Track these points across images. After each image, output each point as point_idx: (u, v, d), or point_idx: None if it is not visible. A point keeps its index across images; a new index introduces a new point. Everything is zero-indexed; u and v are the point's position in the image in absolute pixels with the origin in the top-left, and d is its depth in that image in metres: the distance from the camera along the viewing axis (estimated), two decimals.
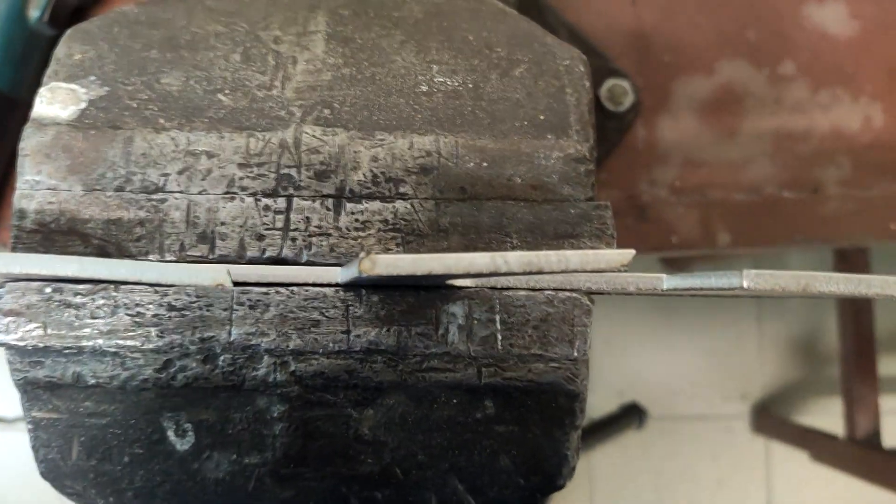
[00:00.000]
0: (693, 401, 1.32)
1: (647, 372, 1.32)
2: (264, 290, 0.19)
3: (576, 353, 0.19)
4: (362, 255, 0.16)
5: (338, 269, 0.19)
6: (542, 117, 0.20)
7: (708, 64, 0.51)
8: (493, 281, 0.19)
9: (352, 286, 0.19)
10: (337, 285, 0.19)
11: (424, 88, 0.21)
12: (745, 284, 0.16)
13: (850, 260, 1.02)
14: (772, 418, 1.24)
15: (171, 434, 0.19)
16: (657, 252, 0.50)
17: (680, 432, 1.32)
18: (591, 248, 0.19)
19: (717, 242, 0.50)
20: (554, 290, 0.19)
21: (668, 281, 0.19)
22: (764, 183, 0.50)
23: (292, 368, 0.19)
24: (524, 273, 0.16)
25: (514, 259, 0.16)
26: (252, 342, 0.19)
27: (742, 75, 0.51)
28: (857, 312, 1.02)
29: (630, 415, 0.56)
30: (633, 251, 0.16)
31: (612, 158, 0.50)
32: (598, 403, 1.31)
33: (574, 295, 0.19)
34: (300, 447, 0.19)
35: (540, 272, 0.16)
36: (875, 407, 1.01)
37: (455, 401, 0.19)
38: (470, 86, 0.21)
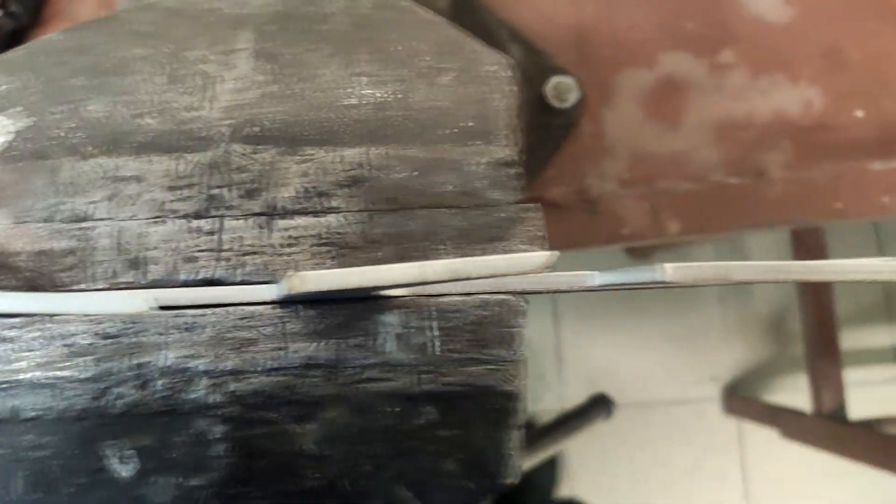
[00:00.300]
0: (663, 386, 1.34)
1: (616, 360, 1.33)
2: (199, 312, 0.19)
3: (512, 355, 0.19)
4: (290, 272, 0.16)
5: (271, 286, 0.19)
6: (470, 124, 0.21)
7: (649, 56, 0.52)
8: (427, 289, 0.19)
9: (287, 302, 0.19)
10: (272, 302, 0.19)
11: (353, 101, 0.21)
12: (665, 277, 0.17)
13: (806, 240, 1.04)
14: (741, 399, 1.26)
15: (113, 462, 0.19)
16: (609, 245, 0.50)
17: (652, 418, 1.34)
18: (522, 250, 0.20)
19: (666, 232, 0.51)
20: (488, 293, 0.19)
21: (599, 278, 0.19)
22: (709, 171, 0.51)
23: (230, 388, 0.19)
24: (451, 280, 0.16)
25: (441, 267, 0.16)
26: (188, 365, 0.19)
27: (683, 66, 0.52)
28: (817, 291, 1.04)
29: (598, 406, 0.57)
30: (556, 253, 0.16)
31: (560, 155, 0.51)
32: (569, 394, 1.32)
33: (507, 297, 0.19)
34: (244, 467, 0.19)
35: (467, 279, 0.16)
36: (839, 381, 1.03)
37: (397, 409, 0.19)
38: (399, 96, 0.21)
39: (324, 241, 0.19)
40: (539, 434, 0.52)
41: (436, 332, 0.19)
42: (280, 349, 0.19)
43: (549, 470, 1.27)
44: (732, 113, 0.52)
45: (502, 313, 0.19)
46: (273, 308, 0.19)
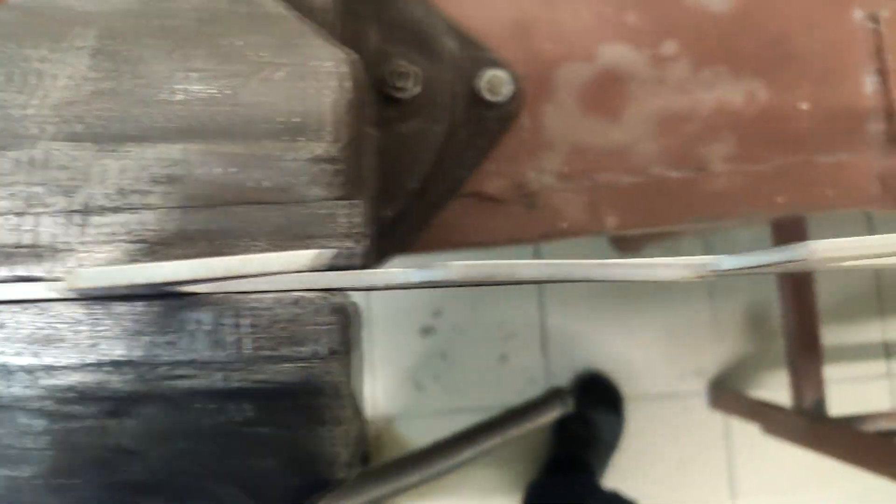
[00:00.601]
0: (650, 380, 1.33)
1: (603, 354, 1.33)
2: (15, 308, 0.19)
3: (324, 352, 0.19)
4: (71, 271, 0.16)
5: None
6: (295, 119, 0.20)
7: (589, 49, 0.51)
8: (238, 285, 0.19)
9: (101, 299, 0.19)
10: (85, 299, 0.19)
11: (180, 97, 0.21)
12: (451, 276, 0.17)
13: (787, 229, 1.03)
14: (726, 393, 1.25)
15: None
16: (547, 239, 0.50)
17: (639, 412, 1.33)
18: (338, 245, 0.20)
19: (605, 226, 0.50)
20: (302, 290, 0.19)
21: (416, 274, 0.19)
22: (650, 164, 0.51)
23: (46, 383, 0.19)
24: (232, 277, 0.16)
25: (218, 264, 0.16)
26: (6, 360, 0.19)
27: (624, 58, 0.51)
28: (798, 286, 1.03)
29: (553, 400, 0.57)
30: (332, 251, 0.16)
31: (498, 149, 0.50)
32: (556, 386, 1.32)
33: (322, 294, 0.19)
34: (67, 459, 0.19)
35: (246, 276, 0.16)
36: (819, 378, 1.02)
37: (211, 406, 0.19)
38: (228, 92, 0.21)
39: (138, 238, 0.19)
40: (489, 426, 0.52)
41: (247, 330, 0.19)
42: (92, 345, 0.19)
43: (616, 425, 1.28)
44: (674, 106, 0.51)
45: (316, 310, 0.19)
46: (87, 305, 0.19)
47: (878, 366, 1.33)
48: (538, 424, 0.57)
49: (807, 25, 0.51)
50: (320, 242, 0.20)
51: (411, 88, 0.43)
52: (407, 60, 0.44)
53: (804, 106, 0.51)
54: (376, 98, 0.44)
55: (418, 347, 1.32)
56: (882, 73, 0.51)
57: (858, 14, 0.52)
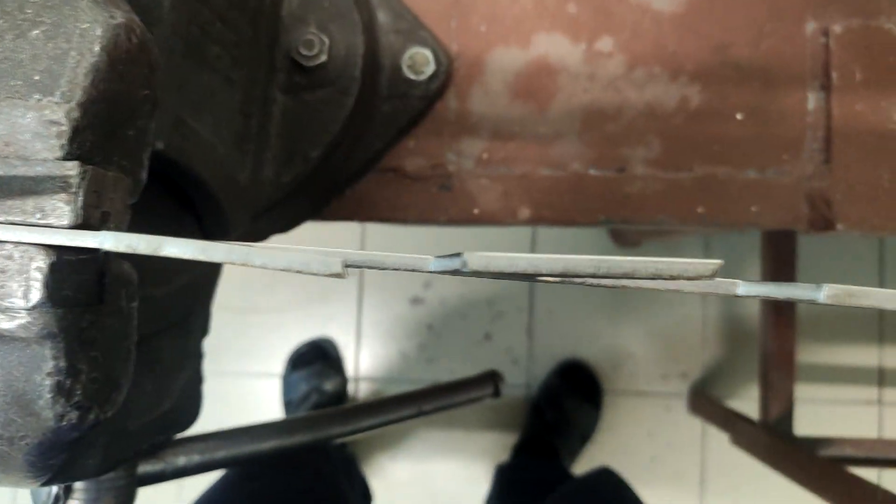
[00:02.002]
0: (633, 377, 1.32)
1: (588, 345, 1.32)
2: None
3: (31, 303, 0.20)
4: None
5: None
6: (36, 78, 0.21)
7: (525, 36, 0.50)
8: None
9: None
10: None
11: None
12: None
13: (777, 242, 1.01)
14: (705, 399, 1.23)
15: None
16: (458, 224, 0.50)
17: (618, 407, 1.33)
18: (55, 204, 0.20)
19: (517, 217, 0.50)
20: (13, 243, 0.20)
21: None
22: (570, 159, 0.50)
23: None
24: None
25: None
26: None
27: (558, 49, 0.50)
28: (779, 303, 1.00)
29: (484, 382, 0.57)
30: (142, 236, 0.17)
31: (421, 127, 0.50)
32: (536, 372, 1.32)
33: (32, 248, 0.20)
34: None
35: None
36: (789, 395, 1.00)
37: None
38: None
39: None
40: (411, 398, 0.53)
41: None
42: None
43: (593, 415, 1.29)
44: (602, 103, 0.50)
45: (24, 263, 0.20)
46: None
47: (870, 392, 1.30)
48: (463, 403, 0.57)
49: (755, 35, 0.50)
50: (37, 201, 0.20)
51: (317, 57, 0.43)
52: (319, 29, 0.44)
53: (739, 116, 0.50)
54: (287, 65, 0.44)
55: (407, 316, 1.33)
56: (826, 89, 0.49)
57: (811, 27, 0.50)
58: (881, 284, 1.30)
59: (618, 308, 1.32)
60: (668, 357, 1.32)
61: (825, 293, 0.18)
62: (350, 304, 1.33)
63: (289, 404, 1.27)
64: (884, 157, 0.49)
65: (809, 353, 1.29)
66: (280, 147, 0.44)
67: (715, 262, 0.18)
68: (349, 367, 1.33)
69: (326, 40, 0.44)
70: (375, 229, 1.32)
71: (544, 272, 0.18)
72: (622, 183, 0.50)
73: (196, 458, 0.43)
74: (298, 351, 1.30)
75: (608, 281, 0.18)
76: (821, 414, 1.28)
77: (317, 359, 1.28)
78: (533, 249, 1.34)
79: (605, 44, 0.50)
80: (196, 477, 0.45)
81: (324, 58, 0.43)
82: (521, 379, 1.33)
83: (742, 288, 0.20)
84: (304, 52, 0.43)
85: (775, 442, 0.95)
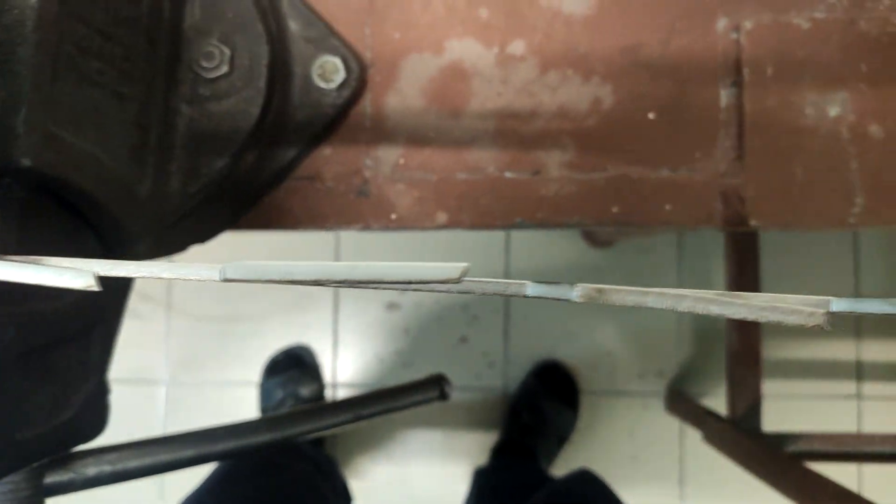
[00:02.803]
0: (611, 377, 1.32)
1: (565, 345, 1.32)
2: None
3: None
4: None
5: None
6: None
7: (438, 42, 0.51)
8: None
9: None
10: None
11: None
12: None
13: (740, 243, 1.01)
14: (679, 397, 1.23)
15: None
16: (375, 230, 0.50)
17: (597, 407, 1.33)
18: None
19: (435, 222, 0.50)
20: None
21: (533, 289, 0.20)
22: (486, 163, 0.50)
23: None
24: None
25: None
26: None
27: (471, 55, 0.51)
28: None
29: (430, 386, 0.57)
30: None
31: (337, 134, 0.51)
32: (513, 373, 1.32)
33: None
34: None
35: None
36: (756, 391, 1.00)
37: None
38: None
39: None
40: (355, 402, 0.53)
41: None
42: None
43: (570, 417, 1.29)
44: (516, 106, 0.50)
45: None
46: None
47: (848, 386, 1.29)
48: (408, 406, 0.58)
49: (665, 34, 0.50)
50: None
51: (217, 68, 0.44)
52: (222, 41, 0.44)
53: (651, 116, 0.50)
54: (191, 77, 0.45)
55: (383, 322, 1.34)
56: (738, 86, 0.49)
57: (722, 24, 0.50)
58: (856, 285, 1.29)
59: (593, 308, 1.32)
60: (645, 356, 1.32)
61: (578, 293, 0.19)
62: (326, 312, 1.34)
63: (265, 411, 1.27)
64: (796, 153, 0.49)
65: (788, 349, 1.29)
66: (186, 158, 0.45)
67: (461, 266, 0.18)
68: (327, 374, 1.34)
69: (227, 51, 0.44)
70: (349, 238, 1.33)
71: (299, 278, 0.18)
72: (537, 185, 0.50)
73: (107, 469, 0.43)
74: (275, 359, 1.31)
75: (362, 284, 0.18)
76: (801, 410, 1.27)
77: (293, 366, 1.29)
78: (507, 253, 1.34)
79: (517, 47, 0.51)
80: (178, 480, 0.45)
81: (225, 69, 0.44)
82: (499, 381, 1.33)
83: (531, 289, 0.20)
84: (205, 63, 0.44)
85: (740, 438, 0.95)
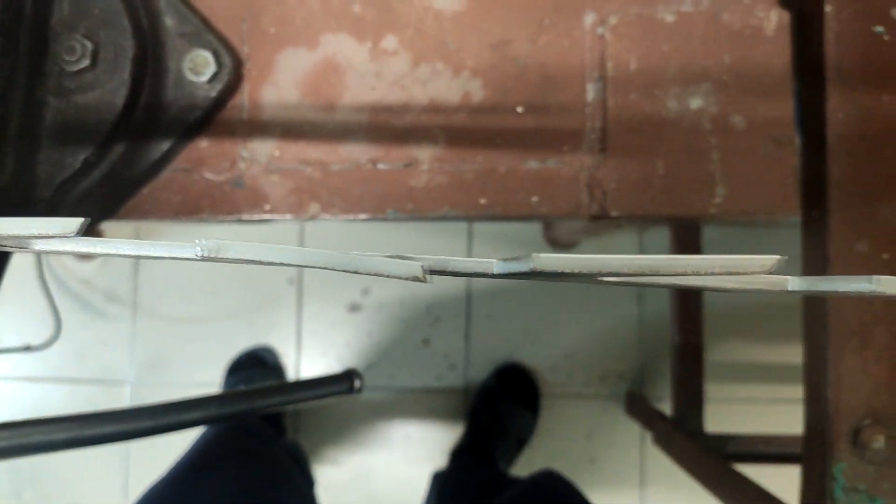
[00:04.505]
0: (571, 379, 1.32)
1: (525, 347, 1.32)
2: None
3: None
4: None
5: None
6: None
7: (313, 37, 0.52)
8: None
9: None
10: None
11: None
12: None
13: (682, 235, 1.01)
14: (637, 399, 1.23)
15: None
16: (250, 221, 0.51)
17: (556, 410, 1.33)
18: None
19: (308, 212, 0.51)
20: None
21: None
22: (359, 155, 0.51)
23: None
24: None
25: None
26: None
27: (345, 49, 0.52)
28: (685, 298, 1.01)
29: (340, 381, 0.58)
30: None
31: (214, 126, 0.52)
32: (473, 375, 1.33)
33: None
34: None
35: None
36: (698, 393, 1.00)
37: None
38: None
39: None
40: (266, 392, 0.54)
41: None
42: None
43: (530, 419, 1.29)
44: (388, 100, 0.51)
45: None
46: None
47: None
48: (319, 398, 0.59)
49: (534, 30, 0.51)
50: None
51: (79, 62, 0.45)
52: (87, 36, 0.46)
53: (520, 110, 0.51)
54: (57, 70, 0.46)
55: (345, 324, 1.34)
56: (604, 80, 0.50)
57: (590, 19, 0.51)
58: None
59: (555, 311, 1.33)
60: (606, 358, 1.32)
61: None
62: (290, 313, 1.35)
63: None
64: (658, 145, 0.49)
65: (744, 353, 1.28)
66: (53, 148, 0.46)
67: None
68: (290, 375, 1.35)
69: (90, 45, 0.46)
70: (314, 227, 1.34)
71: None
72: (409, 176, 0.51)
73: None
74: (237, 359, 1.32)
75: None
76: (757, 413, 1.27)
77: (254, 366, 1.30)
78: (469, 255, 1.35)
79: (389, 42, 0.52)
80: (142, 469, 0.46)
81: (86, 62, 0.45)
82: (460, 383, 1.33)
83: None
84: (67, 57, 0.45)
85: (679, 438, 0.95)
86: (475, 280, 1.34)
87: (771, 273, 0.19)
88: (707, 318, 1.02)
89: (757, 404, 1.28)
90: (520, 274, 0.20)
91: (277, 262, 0.20)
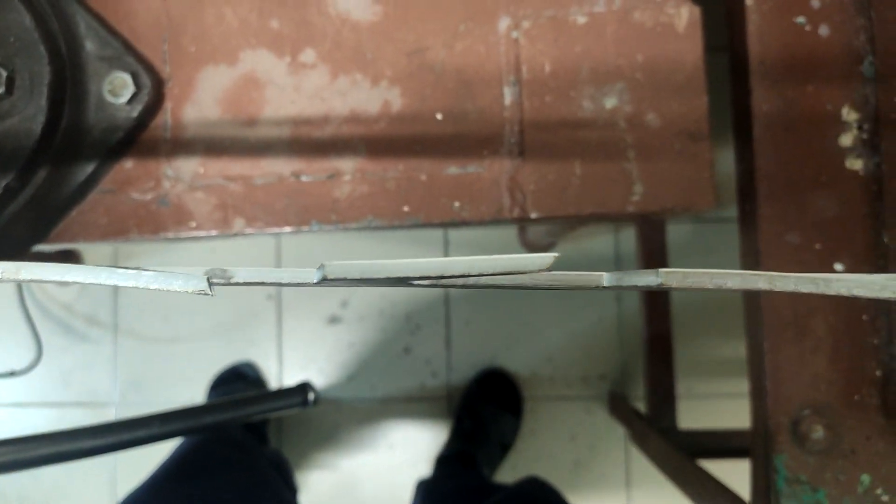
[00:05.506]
0: (553, 382, 1.32)
1: (507, 351, 1.32)
2: None
3: None
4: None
5: None
6: None
7: (232, 53, 0.52)
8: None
9: None
10: None
11: None
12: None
13: (648, 237, 1.01)
14: (619, 399, 1.23)
15: None
16: (177, 239, 0.52)
17: (539, 413, 1.32)
18: None
19: (233, 227, 0.52)
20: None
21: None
22: (282, 168, 0.52)
23: None
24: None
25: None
26: None
27: (264, 64, 0.52)
28: (654, 296, 1.01)
29: (294, 394, 0.58)
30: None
31: (138, 147, 0.52)
32: (455, 381, 1.33)
33: None
34: None
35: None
36: (670, 389, 1.00)
37: None
38: None
39: None
40: (217, 408, 0.55)
41: None
42: None
43: (513, 423, 1.29)
44: (309, 113, 0.52)
45: None
46: None
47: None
48: (272, 412, 0.59)
49: (449, 37, 0.51)
50: None
51: None
52: (3, 63, 0.46)
53: (439, 117, 0.51)
54: None
55: (325, 336, 1.35)
56: (519, 84, 0.51)
57: (504, 23, 0.51)
58: None
59: (535, 314, 1.33)
60: (588, 360, 1.32)
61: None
62: (270, 329, 1.36)
63: None
64: (574, 145, 0.50)
65: (716, 348, 1.28)
66: None
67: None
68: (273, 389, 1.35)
69: (4, 73, 0.46)
70: (290, 242, 1.35)
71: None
72: (332, 187, 0.51)
73: None
74: (220, 375, 1.33)
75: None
76: (736, 408, 1.26)
77: (236, 380, 1.30)
78: (445, 252, 1.35)
79: (308, 56, 0.52)
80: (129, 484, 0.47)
81: (0, 90, 0.46)
82: (443, 390, 1.34)
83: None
84: None
85: (653, 437, 0.95)
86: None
87: (550, 270, 0.20)
88: (679, 315, 1.02)
89: (734, 399, 1.27)
90: (313, 283, 0.20)
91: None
